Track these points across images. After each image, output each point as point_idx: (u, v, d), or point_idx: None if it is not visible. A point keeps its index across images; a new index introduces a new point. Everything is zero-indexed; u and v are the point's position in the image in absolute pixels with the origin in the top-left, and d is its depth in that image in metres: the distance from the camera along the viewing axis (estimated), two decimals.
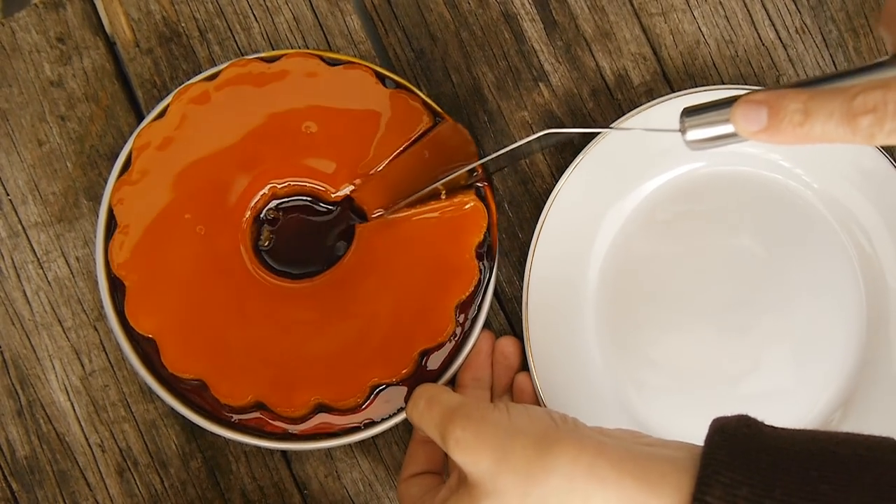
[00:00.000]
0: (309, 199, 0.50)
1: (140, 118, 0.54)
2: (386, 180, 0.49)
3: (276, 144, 0.49)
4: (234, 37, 0.54)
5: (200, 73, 0.54)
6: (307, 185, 0.49)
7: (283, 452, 0.52)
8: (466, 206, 0.49)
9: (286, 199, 0.50)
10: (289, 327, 0.47)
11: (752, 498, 0.33)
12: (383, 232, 0.49)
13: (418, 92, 0.51)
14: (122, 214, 0.48)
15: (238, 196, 0.49)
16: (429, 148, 0.49)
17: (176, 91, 0.50)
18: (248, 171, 0.49)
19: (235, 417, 0.48)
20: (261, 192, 0.49)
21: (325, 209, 0.50)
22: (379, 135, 0.49)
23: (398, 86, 0.51)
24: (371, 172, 0.49)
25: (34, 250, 0.53)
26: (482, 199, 0.50)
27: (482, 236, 0.49)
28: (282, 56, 0.51)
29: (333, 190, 0.49)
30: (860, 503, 0.33)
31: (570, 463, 0.36)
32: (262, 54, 0.52)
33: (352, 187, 0.49)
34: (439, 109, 0.51)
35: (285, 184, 0.49)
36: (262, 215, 0.50)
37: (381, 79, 0.51)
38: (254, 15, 0.54)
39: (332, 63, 0.51)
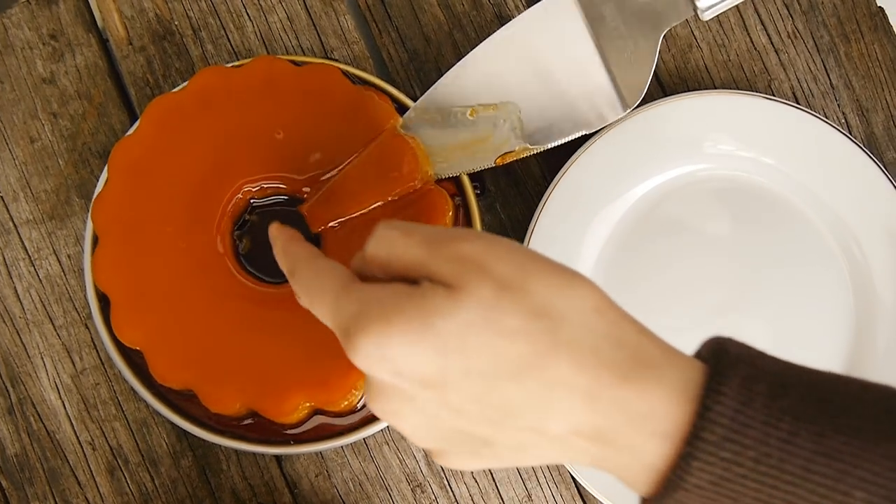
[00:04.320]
0: (286, 200, 0.50)
1: (132, 116, 0.54)
2: (329, 193, 0.48)
3: (247, 149, 0.48)
4: (227, 35, 0.54)
5: (193, 71, 0.54)
6: (280, 187, 0.49)
7: None
8: (426, 193, 0.48)
9: (263, 204, 0.50)
10: (273, 331, 0.47)
11: (769, 393, 0.30)
12: (348, 229, 0.48)
13: (394, 91, 0.51)
14: (102, 230, 0.48)
15: (215, 203, 0.48)
16: (372, 156, 0.48)
17: (148, 105, 0.50)
18: (223, 177, 0.48)
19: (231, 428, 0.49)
20: (236, 197, 0.49)
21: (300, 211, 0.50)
22: (344, 137, 0.49)
23: (374, 87, 0.51)
24: (323, 180, 0.48)
25: (25, 248, 0.53)
26: (460, 191, 0.50)
27: (448, 220, 0.48)
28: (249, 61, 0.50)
29: (307, 191, 0.49)
30: (873, 404, 0.31)
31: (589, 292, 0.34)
32: (231, 64, 0.51)
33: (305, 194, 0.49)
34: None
35: (258, 187, 0.49)
36: (240, 220, 0.50)
37: (355, 80, 0.50)
38: (247, 14, 0.54)
39: (300, 65, 0.50)
